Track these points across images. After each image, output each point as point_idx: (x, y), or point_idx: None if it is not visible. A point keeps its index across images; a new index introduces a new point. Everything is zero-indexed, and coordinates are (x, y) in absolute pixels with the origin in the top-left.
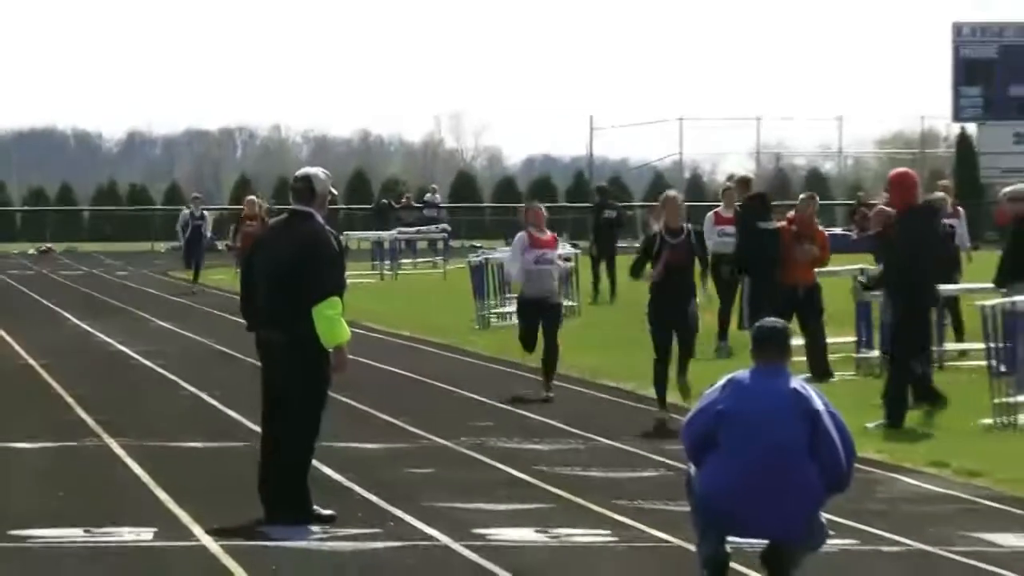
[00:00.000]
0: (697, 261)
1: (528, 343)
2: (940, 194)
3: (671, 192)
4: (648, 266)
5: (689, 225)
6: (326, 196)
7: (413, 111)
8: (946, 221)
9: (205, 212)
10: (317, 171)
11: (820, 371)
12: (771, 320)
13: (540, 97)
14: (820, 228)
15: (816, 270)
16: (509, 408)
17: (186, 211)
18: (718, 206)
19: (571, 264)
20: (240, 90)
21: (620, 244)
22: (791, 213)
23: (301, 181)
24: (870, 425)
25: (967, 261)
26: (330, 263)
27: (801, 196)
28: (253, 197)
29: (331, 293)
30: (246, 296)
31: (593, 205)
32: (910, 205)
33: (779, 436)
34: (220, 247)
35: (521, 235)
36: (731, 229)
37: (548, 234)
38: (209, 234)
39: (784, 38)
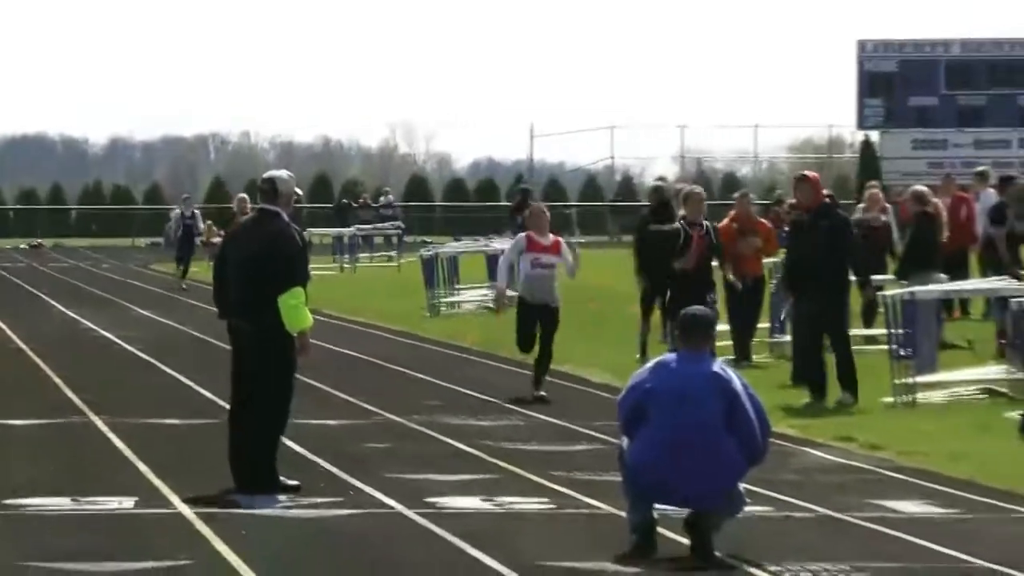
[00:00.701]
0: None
1: (525, 346)
2: (875, 190)
3: (695, 188)
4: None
5: (707, 221)
6: (290, 196)
7: (370, 119)
8: (883, 217)
9: (196, 211)
10: (281, 173)
11: (743, 355)
12: (698, 309)
13: (486, 106)
14: (763, 221)
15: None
16: (457, 388)
17: (177, 211)
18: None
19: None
20: (213, 100)
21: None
22: (732, 212)
23: (267, 183)
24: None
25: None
26: (293, 257)
27: (735, 195)
28: (244, 195)
29: (294, 284)
30: (219, 287)
31: (514, 204)
32: (820, 203)
33: (701, 414)
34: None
35: (520, 236)
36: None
37: (551, 239)
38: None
39: (708, 53)
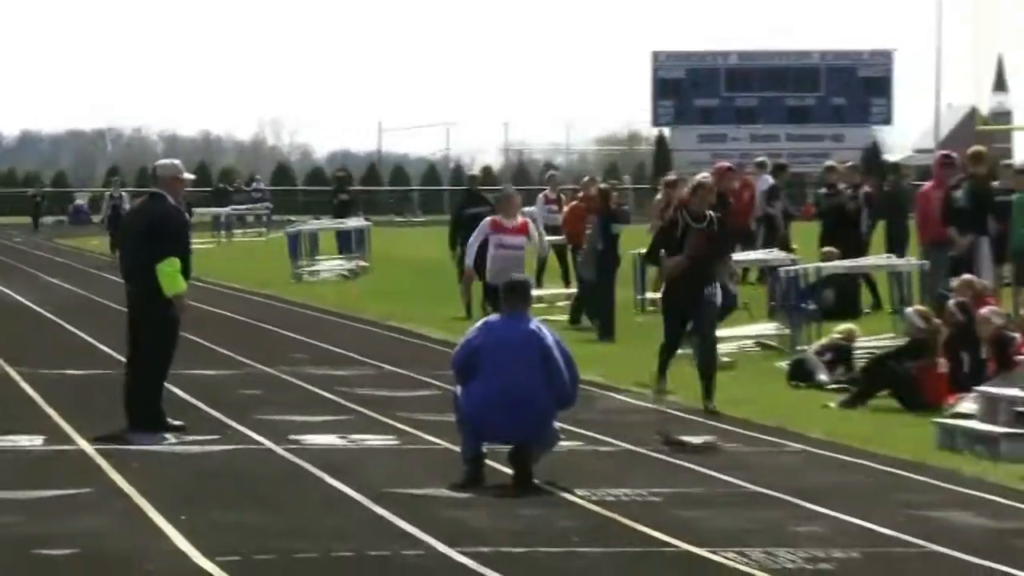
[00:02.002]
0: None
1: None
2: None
3: (705, 177)
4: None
5: (711, 212)
6: (169, 179)
7: (244, 116)
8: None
9: (123, 193)
10: (163, 162)
11: (576, 319)
12: (519, 276)
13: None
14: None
15: None
16: (317, 343)
17: (107, 192)
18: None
19: (547, 248)
20: (109, 97)
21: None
22: (580, 193)
23: (152, 170)
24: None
25: None
26: (171, 232)
27: (584, 179)
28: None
29: (170, 255)
30: (120, 257)
31: (332, 190)
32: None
33: (520, 365)
34: (95, 220)
35: (485, 220)
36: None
37: (518, 220)
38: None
39: (529, 58)
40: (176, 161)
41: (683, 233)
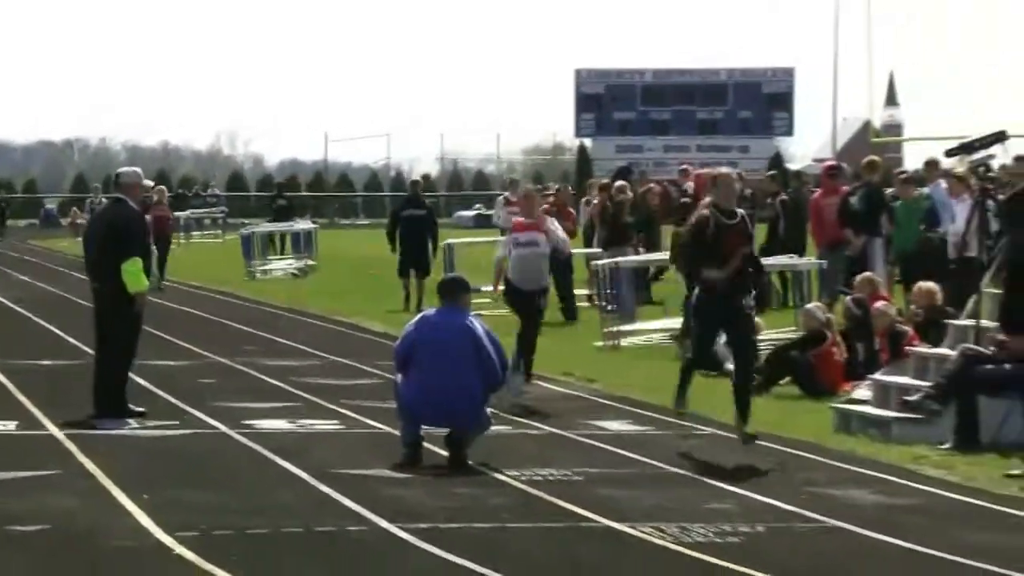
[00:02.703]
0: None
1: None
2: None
3: (724, 169)
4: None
5: (741, 210)
6: (131, 185)
7: (201, 127)
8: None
9: (104, 199)
10: (125, 170)
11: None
12: (454, 275)
13: (291, 116)
14: (570, 209)
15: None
16: (269, 336)
17: (89, 199)
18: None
19: (567, 248)
20: (76, 109)
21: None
22: (551, 197)
23: (115, 177)
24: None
25: None
26: (132, 234)
27: (555, 186)
28: (163, 187)
29: (132, 255)
30: (86, 257)
31: (271, 195)
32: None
33: (454, 355)
34: (64, 223)
35: (513, 221)
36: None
37: (537, 218)
38: None
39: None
40: (137, 169)
41: (715, 233)
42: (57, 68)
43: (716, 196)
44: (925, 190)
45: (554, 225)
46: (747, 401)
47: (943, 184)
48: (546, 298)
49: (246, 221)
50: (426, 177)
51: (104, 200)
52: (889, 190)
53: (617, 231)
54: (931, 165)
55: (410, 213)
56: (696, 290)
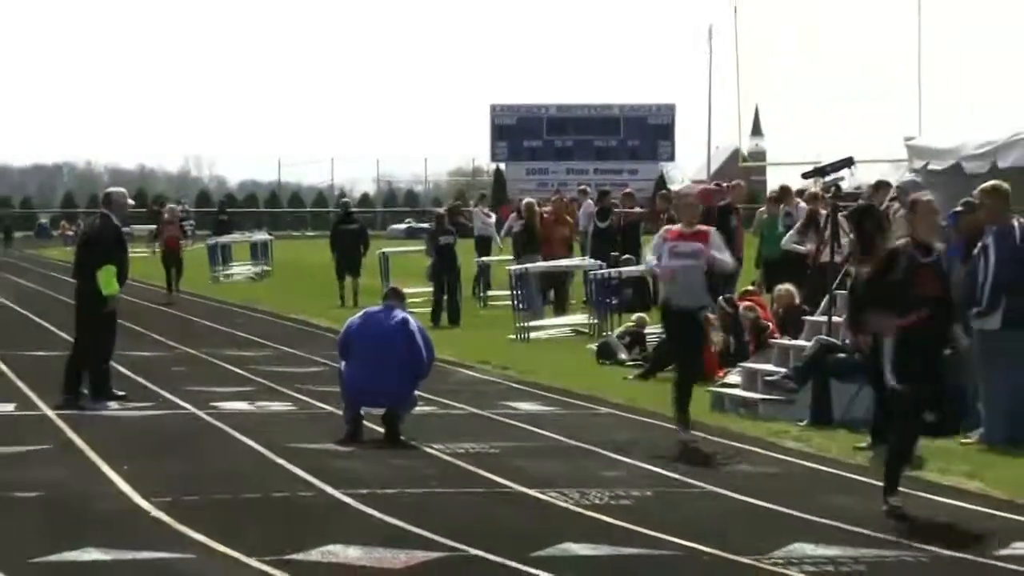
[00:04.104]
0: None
1: (669, 361)
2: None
3: (926, 195)
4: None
5: (939, 244)
6: (122, 204)
7: (172, 152)
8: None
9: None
10: (117, 189)
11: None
12: (395, 286)
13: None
14: (567, 217)
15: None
16: (230, 330)
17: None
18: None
19: (731, 263)
20: (64, 136)
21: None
22: (550, 207)
23: (106, 196)
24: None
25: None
26: (110, 246)
27: (553, 197)
28: (173, 206)
29: (107, 262)
30: (74, 262)
31: (216, 211)
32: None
33: (389, 346)
34: (55, 235)
35: (663, 229)
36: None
37: (696, 227)
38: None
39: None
40: (123, 190)
41: (907, 273)
42: (48, 100)
43: (914, 227)
44: (785, 208)
45: (718, 239)
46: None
47: (802, 203)
48: (708, 316)
49: (210, 233)
50: (364, 196)
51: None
52: (761, 208)
53: (529, 242)
54: (784, 189)
55: (344, 228)
56: (889, 341)
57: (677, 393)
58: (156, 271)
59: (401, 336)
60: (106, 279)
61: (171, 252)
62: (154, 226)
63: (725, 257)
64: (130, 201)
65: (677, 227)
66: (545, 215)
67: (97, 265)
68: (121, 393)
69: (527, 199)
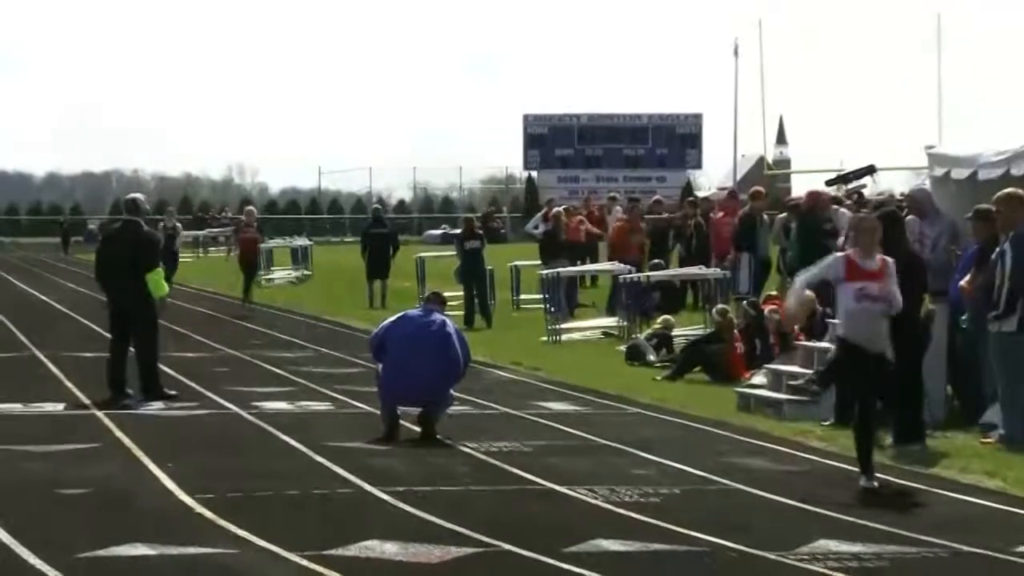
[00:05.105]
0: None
1: (849, 412)
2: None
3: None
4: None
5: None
6: (146, 209)
7: (217, 160)
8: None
9: (176, 224)
10: (138, 195)
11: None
12: (437, 291)
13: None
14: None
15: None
16: (271, 332)
17: (163, 220)
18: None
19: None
20: (112, 145)
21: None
22: (624, 216)
23: (130, 202)
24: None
25: None
26: (156, 251)
27: (628, 205)
28: (252, 208)
29: (155, 266)
30: (98, 272)
31: (203, 218)
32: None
33: (427, 347)
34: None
35: (838, 258)
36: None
37: (877, 261)
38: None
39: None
40: (143, 195)
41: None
42: (97, 111)
43: (856, 243)
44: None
45: (891, 271)
46: None
47: (842, 210)
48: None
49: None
50: (401, 203)
51: (174, 224)
52: (782, 215)
53: (555, 247)
54: (812, 195)
55: (374, 232)
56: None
57: (859, 440)
58: (200, 275)
59: (439, 337)
60: (154, 282)
61: (247, 254)
62: (202, 231)
63: (896, 291)
64: (170, 209)
65: (856, 258)
66: (619, 222)
67: (147, 269)
68: (173, 392)
69: (556, 208)
